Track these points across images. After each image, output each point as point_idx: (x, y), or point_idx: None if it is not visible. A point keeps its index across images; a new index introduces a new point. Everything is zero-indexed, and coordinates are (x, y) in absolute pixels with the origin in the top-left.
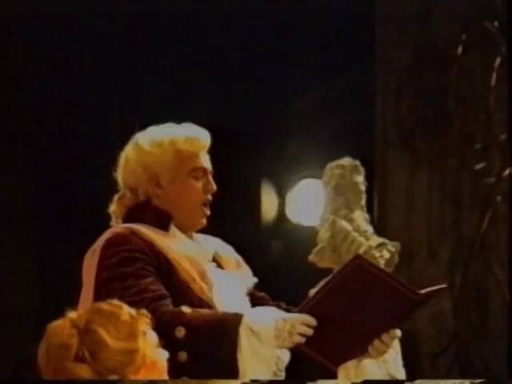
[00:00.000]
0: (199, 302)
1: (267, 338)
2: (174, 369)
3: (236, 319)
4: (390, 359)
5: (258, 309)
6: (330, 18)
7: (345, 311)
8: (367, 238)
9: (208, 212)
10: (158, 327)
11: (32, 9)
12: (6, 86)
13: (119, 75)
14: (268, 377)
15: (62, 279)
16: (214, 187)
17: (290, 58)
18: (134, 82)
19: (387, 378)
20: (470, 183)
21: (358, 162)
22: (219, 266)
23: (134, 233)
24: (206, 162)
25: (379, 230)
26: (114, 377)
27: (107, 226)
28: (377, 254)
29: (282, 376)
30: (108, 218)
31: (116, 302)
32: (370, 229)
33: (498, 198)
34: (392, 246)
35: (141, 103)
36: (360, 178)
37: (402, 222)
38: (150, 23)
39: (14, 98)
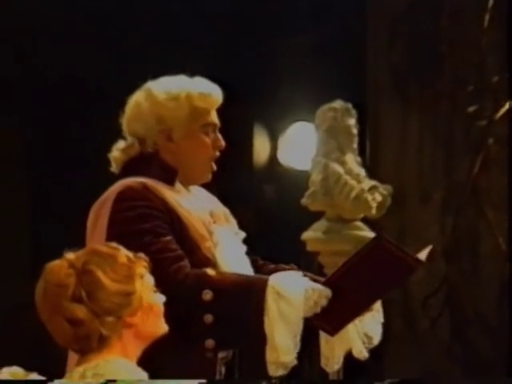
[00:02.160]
0: (206, 261)
1: (297, 303)
2: (200, 331)
3: (263, 282)
4: (367, 317)
5: (283, 274)
6: None
7: (357, 285)
8: (359, 181)
9: (215, 167)
10: (182, 289)
11: None
12: None
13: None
14: (290, 339)
15: (57, 225)
16: (223, 143)
17: (280, 3)
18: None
19: (362, 336)
20: (462, 127)
21: (350, 105)
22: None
23: (147, 188)
24: (216, 117)
25: (371, 173)
26: (109, 318)
27: (103, 173)
28: (369, 197)
29: (298, 339)
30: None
31: (114, 244)
32: (362, 172)
33: (490, 141)
34: (384, 189)
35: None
36: (352, 121)
37: (394, 165)
38: None
39: None
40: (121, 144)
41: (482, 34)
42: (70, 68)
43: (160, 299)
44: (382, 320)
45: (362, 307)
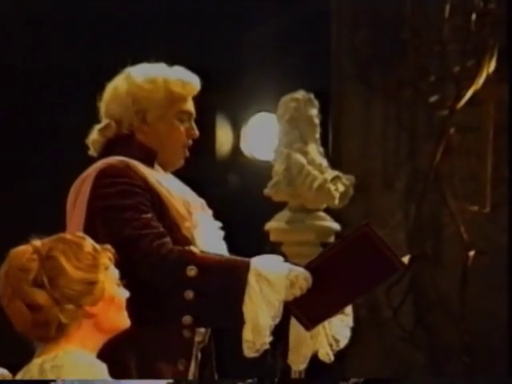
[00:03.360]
0: (185, 241)
1: (279, 284)
2: (179, 306)
3: (245, 263)
4: (336, 320)
5: (265, 256)
6: None
7: (339, 275)
8: (322, 172)
9: (187, 153)
10: (165, 264)
11: None
12: None
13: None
14: (269, 321)
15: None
16: (197, 133)
17: None
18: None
19: (330, 338)
20: (424, 115)
21: (312, 95)
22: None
23: (128, 166)
24: (192, 106)
25: (334, 163)
26: (69, 306)
27: (82, 156)
28: (332, 187)
29: (276, 321)
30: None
31: (80, 233)
32: (324, 162)
33: (452, 130)
34: (346, 180)
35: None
36: (314, 111)
37: (357, 153)
38: None
39: None
40: (97, 126)
41: (443, 23)
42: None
43: (123, 293)
44: (351, 324)
45: (342, 303)
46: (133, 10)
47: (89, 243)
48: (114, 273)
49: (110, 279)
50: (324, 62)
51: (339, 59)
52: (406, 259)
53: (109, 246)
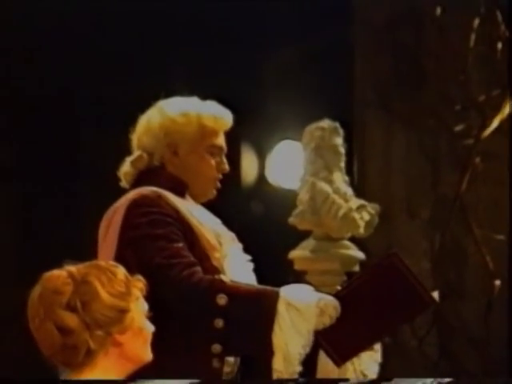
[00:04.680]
0: (214, 271)
1: (308, 313)
2: (208, 335)
3: (275, 292)
4: (365, 356)
5: (294, 285)
6: None
7: (368, 305)
8: (347, 200)
9: (219, 185)
10: (195, 292)
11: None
12: None
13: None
14: (299, 350)
15: (41, 239)
16: (227, 168)
17: (268, 18)
18: None
19: (358, 373)
20: (448, 143)
21: (337, 124)
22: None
23: (160, 196)
24: (223, 141)
25: (359, 192)
26: (99, 332)
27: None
28: (357, 216)
29: (306, 350)
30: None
31: (113, 262)
32: (349, 191)
33: (477, 159)
34: (372, 208)
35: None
36: (339, 140)
37: (381, 182)
38: None
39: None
40: (128, 158)
41: (468, 51)
42: (67, 81)
43: (150, 327)
44: (379, 360)
45: (372, 338)
46: (161, 42)
47: (122, 271)
48: (144, 305)
49: (139, 310)
50: (347, 91)
51: (362, 88)
52: (435, 294)
53: (140, 277)
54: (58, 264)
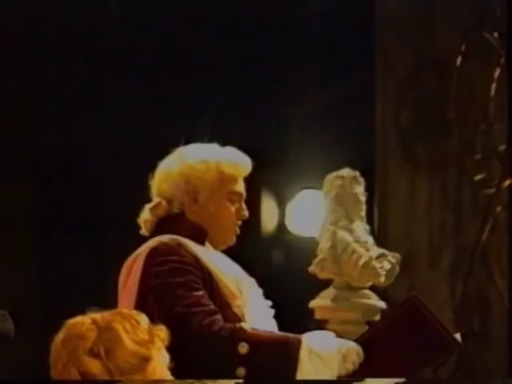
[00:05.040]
0: (235, 319)
1: (331, 360)
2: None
3: (297, 339)
4: None
5: (316, 332)
6: (331, 27)
7: (390, 349)
8: (367, 249)
9: (238, 231)
10: (216, 341)
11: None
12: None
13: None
14: None
15: (64, 286)
16: (247, 214)
17: (290, 68)
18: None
19: None
20: (470, 192)
21: (357, 173)
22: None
23: (180, 244)
24: (243, 187)
25: (380, 240)
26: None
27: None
28: (377, 265)
29: None
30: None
31: (136, 311)
32: (370, 239)
33: (498, 208)
34: (392, 257)
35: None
36: (360, 189)
37: (402, 230)
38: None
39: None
40: (148, 206)
41: (488, 102)
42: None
43: (170, 378)
44: None
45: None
46: (186, 89)
47: (145, 320)
48: (166, 356)
49: (161, 360)
50: (368, 140)
51: (384, 137)
52: (458, 336)
53: (163, 327)
54: (81, 311)
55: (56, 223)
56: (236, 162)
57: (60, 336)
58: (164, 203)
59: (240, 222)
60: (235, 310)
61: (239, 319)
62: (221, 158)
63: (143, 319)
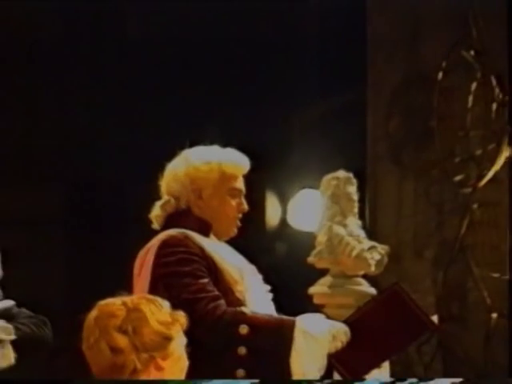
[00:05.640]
0: (238, 303)
1: (322, 339)
2: (233, 362)
3: (291, 321)
4: (372, 373)
5: (309, 315)
6: (329, 44)
7: (374, 330)
8: (360, 242)
9: (239, 224)
10: (220, 324)
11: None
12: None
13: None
14: (315, 373)
15: (92, 279)
16: (246, 208)
17: (291, 80)
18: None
19: None
20: (450, 192)
21: (351, 175)
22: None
23: (187, 237)
24: (242, 184)
25: (370, 235)
26: (145, 355)
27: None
28: (368, 256)
29: (321, 373)
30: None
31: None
32: (362, 233)
33: (475, 206)
34: (382, 249)
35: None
36: (353, 189)
37: (390, 226)
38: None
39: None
40: (158, 202)
41: (466, 112)
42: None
43: (186, 360)
44: (388, 378)
45: (379, 359)
46: (192, 95)
47: (167, 304)
48: (184, 339)
49: (180, 342)
50: (361, 145)
51: (374, 143)
52: (435, 318)
53: (182, 313)
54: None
55: (81, 222)
56: (236, 162)
57: (93, 314)
58: (172, 200)
59: (240, 215)
60: (237, 295)
61: (241, 303)
62: (222, 159)
63: (166, 304)
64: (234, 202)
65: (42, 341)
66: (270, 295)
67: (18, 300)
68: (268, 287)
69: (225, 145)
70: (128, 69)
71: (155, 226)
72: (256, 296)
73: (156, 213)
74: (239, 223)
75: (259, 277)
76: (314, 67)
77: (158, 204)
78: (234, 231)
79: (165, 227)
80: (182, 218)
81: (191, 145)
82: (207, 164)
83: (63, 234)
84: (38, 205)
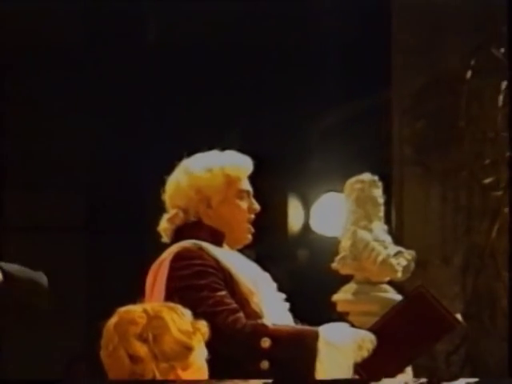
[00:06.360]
0: (254, 315)
1: (347, 349)
2: (256, 376)
3: (314, 331)
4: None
5: (332, 324)
6: (352, 46)
7: (400, 334)
8: (385, 247)
9: (252, 229)
10: (241, 337)
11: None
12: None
13: None
14: None
15: (111, 287)
16: (258, 207)
17: (316, 81)
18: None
19: None
20: (479, 195)
21: (376, 177)
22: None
23: (201, 248)
24: (248, 185)
25: (397, 240)
26: (164, 364)
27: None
28: (394, 262)
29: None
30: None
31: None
32: (388, 238)
33: (505, 210)
34: (408, 254)
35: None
36: (378, 192)
37: (417, 231)
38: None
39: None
40: (166, 216)
41: (496, 112)
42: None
43: (206, 372)
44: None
45: (404, 362)
46: (205, 99)
47: (189, 314)
48: (204, 349)
49: (201, 352)
50: (386, 148)
51: (400, 145)
52: (458, 316)
53: (204, 323)
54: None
55: (102, 225)
56: (238, 164)
57: (112, 321)
58: (181, 213)
59: (253, 217)
60: (253, 306)
61: (258, 315)
62: (224, 163)
63: (187, 313)
64: (244, 205)
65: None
66: (287, 304)
67: None
68: (283, 296)
69: (246, 151)
70: (148, 73)
71: (164, 239)
72: (272, 306)
73: (164, 226)
74: (252, 229)
75: (274, 285)
76: (337, 70)
77: (166, 217)
78: (248, 238)
79: (175, 240)
80: (194, 229)
81: (189, 154)
82: (209, 171)
83: (82, 241)
84: (61, 209)
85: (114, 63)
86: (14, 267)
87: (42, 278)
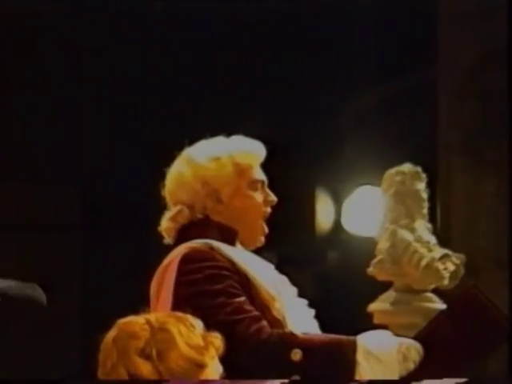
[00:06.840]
0: (276, 323)
1: (390, 361)
2: None
3: (351, 341)
4: None
5: (372, 332)
6: (390, 16)
7: (449, 343)
8: (430, 249)
9: (266, 230)
10: (266, 349)
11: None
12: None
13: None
14: None
15: (109, 289)
16: (275, 199)
17: (346, 61)
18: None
19: None
20: None
21: (419, 169)
22: None
23: (213, 248)
24: (262, 174)
25: (443, 241)
26: None
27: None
28: (440, 267)
29: None
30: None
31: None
32: (432, 239)
33: None
34: (457, 258)
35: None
36: (421, 185)
37: (467, 231)
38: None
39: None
40: (168, 214)
41: None
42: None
43: None
44: None
45: (455, 375)
46: (240, 87)
47: (200, 325)
48: (219, 366)
49: (214, 369)
50: (430, 134)
51: (446, 131)
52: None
53: (218, 335)
54: (127, 310)
55: (100, 224)
56: (249, 150)
57: (111, 334)
58: (185, 210)
59: (269, 210)
60: (275, 313)
61: (281, 323)
62: (232, 150)
63: (198, 324)
64: (258, 197)
65: (35, 301)
66: (312, 311)
67: None
68: (305, 301)
69: (265, 138)
70: (160, 62)
71: (167, 240)
72: (295, 313)
73: (166, 225)
74: (266, 229)
75: (294, 289)
76: (372, 43)
77: (168, 215)
78: (262, 240)
79: (179, 241)
80: (200, 228)
81: (191, 142)
82: (216, 160)
83: (80, 240)
84: (57, 206)
85: (113, 63)
86: (8, 284)
87: (36, 291)
